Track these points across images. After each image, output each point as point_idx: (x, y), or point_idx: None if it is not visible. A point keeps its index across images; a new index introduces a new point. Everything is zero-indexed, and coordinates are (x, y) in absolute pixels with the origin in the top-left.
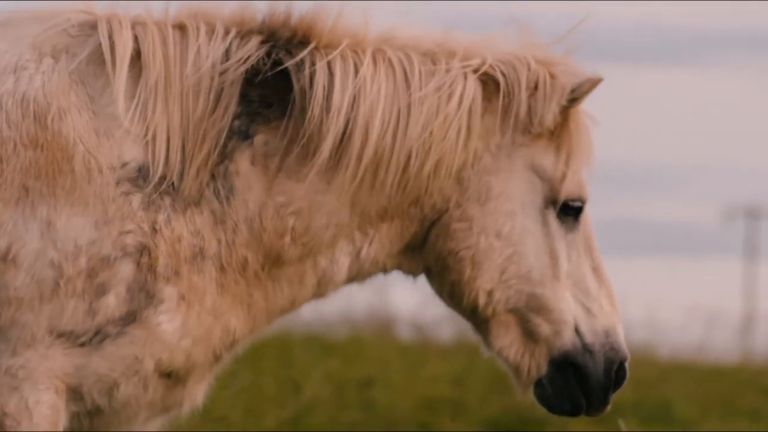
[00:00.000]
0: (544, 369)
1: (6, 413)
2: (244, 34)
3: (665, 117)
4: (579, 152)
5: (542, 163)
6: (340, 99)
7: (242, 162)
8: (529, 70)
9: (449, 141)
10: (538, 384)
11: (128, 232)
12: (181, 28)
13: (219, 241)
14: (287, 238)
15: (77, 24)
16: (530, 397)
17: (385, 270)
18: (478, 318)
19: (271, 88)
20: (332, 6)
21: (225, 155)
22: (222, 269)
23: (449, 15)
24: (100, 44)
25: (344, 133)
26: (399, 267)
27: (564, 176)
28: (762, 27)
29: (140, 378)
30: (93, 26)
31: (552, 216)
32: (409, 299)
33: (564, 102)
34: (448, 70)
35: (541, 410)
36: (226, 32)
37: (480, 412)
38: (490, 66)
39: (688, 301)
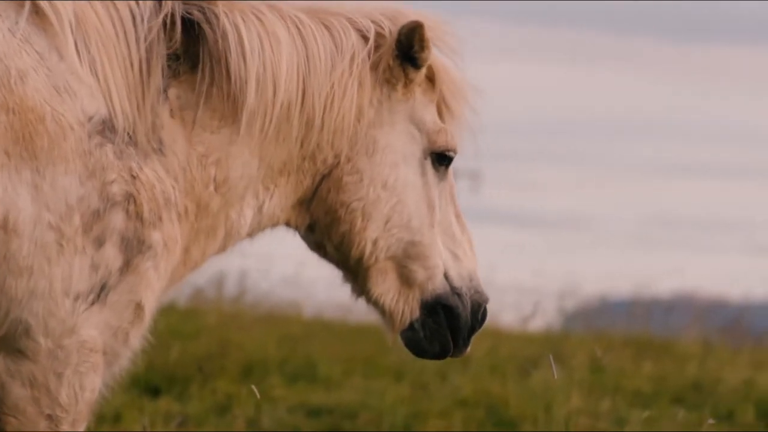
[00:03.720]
0: (417, 313)
1: (60, 405)
2: None
3: None
4: (453, 105)
5: (422, 117)
6: (250, 44)
7: (163, 115)
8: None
9: (348, 96)
10: (409, 328)
11: (112, 182)
12: None
13: (174, 189)
14: (211, 188)
15: None
16: (399, 341)
17: (277, 224)
18: (360, 267)
19: (178, 41)
20: None
21: None
22: (179, 219)
23: None
24: (34, 4)
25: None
26: (288, 221)
27: (440, 128)
28: None
29: (143, 327)
30: None
31: (429, 166)
32: None
33: (395, 52)
34: (339, 28)
35: (184, 367)
36: None
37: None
38: (378, 22)
39: None
